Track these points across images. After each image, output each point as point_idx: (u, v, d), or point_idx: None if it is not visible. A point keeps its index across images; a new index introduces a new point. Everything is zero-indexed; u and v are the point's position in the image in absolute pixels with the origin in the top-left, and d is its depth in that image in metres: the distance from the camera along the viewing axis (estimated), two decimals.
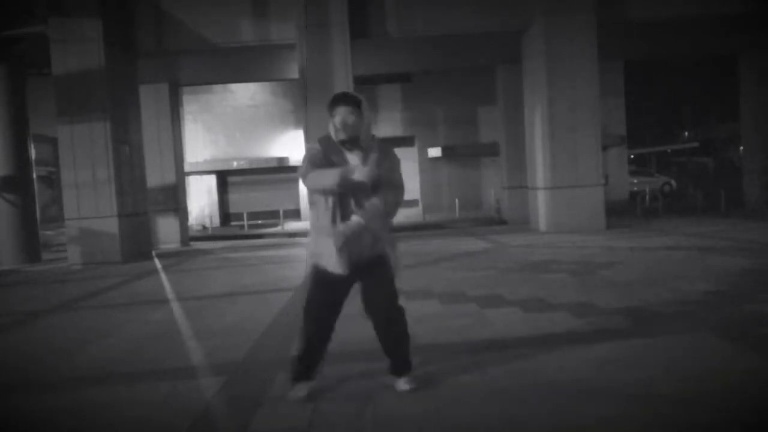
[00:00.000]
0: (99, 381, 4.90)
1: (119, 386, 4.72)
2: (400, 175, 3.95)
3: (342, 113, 3.81)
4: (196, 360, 5.27)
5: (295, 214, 25.84)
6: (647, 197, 22.67)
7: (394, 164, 3.91)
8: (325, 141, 3.93)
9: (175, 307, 7.87)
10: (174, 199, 18.30)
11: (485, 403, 3.88)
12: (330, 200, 3.80)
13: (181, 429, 3.78)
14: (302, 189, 24.01)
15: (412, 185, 26.31)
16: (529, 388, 4.10)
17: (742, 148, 22.80)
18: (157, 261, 13.90)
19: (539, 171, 15.25)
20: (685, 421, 3.49)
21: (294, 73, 16.24)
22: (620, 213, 19.55)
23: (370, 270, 3.93)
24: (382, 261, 3.96)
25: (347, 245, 3.79)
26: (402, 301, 4.08)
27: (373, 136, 3.95)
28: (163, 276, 11.15)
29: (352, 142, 3.85)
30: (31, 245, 15.07)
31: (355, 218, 3.78)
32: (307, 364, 4.10)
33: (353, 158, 3.85)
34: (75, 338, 6.44)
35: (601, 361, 4.58)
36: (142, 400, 4.33)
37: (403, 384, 4.13)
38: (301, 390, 4.11)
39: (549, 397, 3.93)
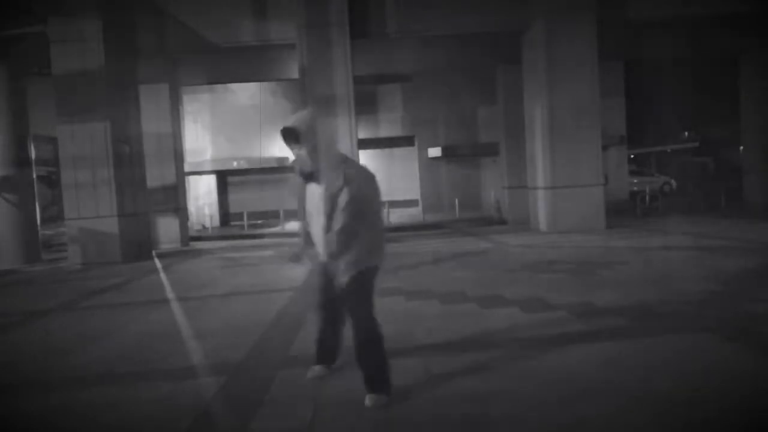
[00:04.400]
0: (99, 381, 4.88)
1: (120, 386, 4.71)
2: (355, 205, 3.90)
3: (293, 150, 3.95)
4: (197, 360, 5.26)
5: (296, 215, 25.35)
6: (647, 197, 22.60)
7: (356, 191, 3.88)
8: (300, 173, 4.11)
9: (175, 306, 7.79)
10: (174, 198, 18.17)
11: (484, 403, 3.87)
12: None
13: (182, 428, 3.77)
14: None
15: (411, 185, 26.40)
16: (528, 387, 4.10)
17: (742, 147, 22.79)
18: (157, 261, 13.82)
19: (539, 171, 15.23)
20: (685, 420, 3.49)
21: (294, 73, 16.06)
22: (620, 213, 19.29)
23: None
24: None
25: None
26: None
27: (340, 156, 4.00)
28: (163, 276, 11.09)
29: (310, 176, 3.97)
30: (31, 245, 15.04)
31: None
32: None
33: (317, 187, 4.00)
34: (75, 338, 6.43)
35: (601, 360, 4.58)
36: (143, 399, 4.32)
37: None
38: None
39: (548, 396, 3.93)
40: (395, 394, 4.03)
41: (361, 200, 3.79)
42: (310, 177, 3.91)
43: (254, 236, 19.83)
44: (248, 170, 26.23)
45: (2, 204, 14.64)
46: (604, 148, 19.95)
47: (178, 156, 18.59)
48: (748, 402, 3.71)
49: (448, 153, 25.16)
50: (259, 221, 25.49)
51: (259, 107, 25.92)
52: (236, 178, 27.12)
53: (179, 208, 18.33)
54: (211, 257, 14.14)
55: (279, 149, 26.00)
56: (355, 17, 14.42)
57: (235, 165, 25.91)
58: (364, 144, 20.12)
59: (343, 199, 3.78)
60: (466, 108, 25.15)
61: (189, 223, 20.65)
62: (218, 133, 26.38)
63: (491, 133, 23.49)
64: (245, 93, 26.06)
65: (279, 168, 25.90)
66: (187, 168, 21.49)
